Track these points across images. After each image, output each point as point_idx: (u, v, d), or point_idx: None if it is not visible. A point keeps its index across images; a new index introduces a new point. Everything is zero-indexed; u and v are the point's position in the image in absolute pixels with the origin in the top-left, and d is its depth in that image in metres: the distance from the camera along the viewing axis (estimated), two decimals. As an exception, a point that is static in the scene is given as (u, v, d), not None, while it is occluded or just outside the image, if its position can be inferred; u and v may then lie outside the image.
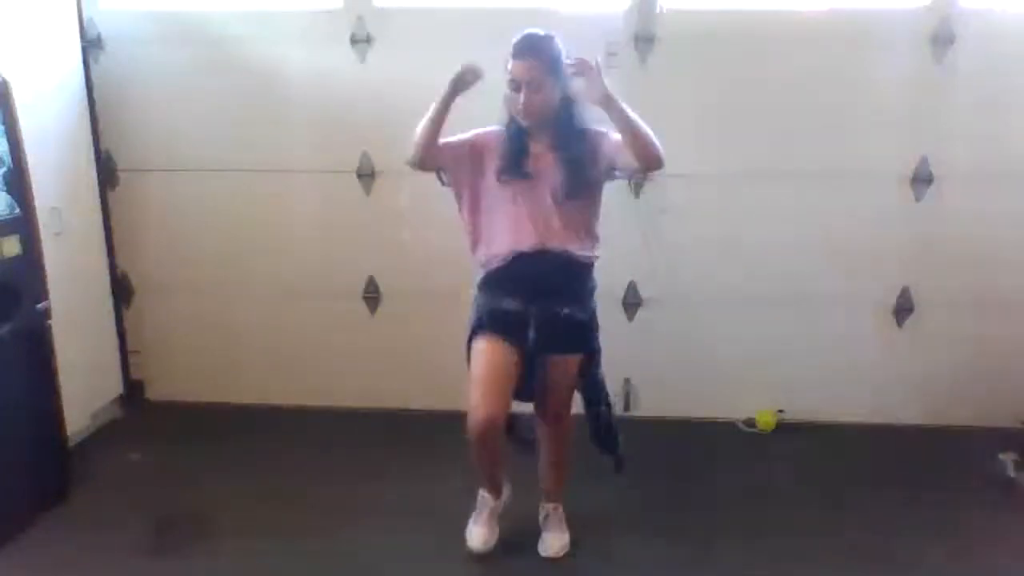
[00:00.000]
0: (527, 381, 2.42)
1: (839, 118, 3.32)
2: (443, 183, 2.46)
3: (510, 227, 2.36)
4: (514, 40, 2.30)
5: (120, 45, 3.47)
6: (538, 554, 2.63)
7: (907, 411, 3.57)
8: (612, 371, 3.60)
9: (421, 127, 2.29)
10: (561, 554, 2.62)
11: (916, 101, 3.32)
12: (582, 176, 2.33)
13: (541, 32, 2.33)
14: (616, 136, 2.27)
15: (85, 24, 3.42)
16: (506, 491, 2.70)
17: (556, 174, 2.34)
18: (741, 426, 3.57)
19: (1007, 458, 3.06)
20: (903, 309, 3.51)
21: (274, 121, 3.49)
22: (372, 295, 3.65)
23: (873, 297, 3.51)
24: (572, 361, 2.47)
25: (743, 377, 3.60)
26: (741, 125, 3.36)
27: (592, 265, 2.45)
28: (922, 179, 3.37)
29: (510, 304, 2.37)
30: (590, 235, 2.43)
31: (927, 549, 2.67)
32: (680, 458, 3.31)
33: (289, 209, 3.59)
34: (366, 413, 3.64)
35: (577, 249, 2.38)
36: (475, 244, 2.45)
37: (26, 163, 2.69)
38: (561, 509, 2.70)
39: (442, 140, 2.32)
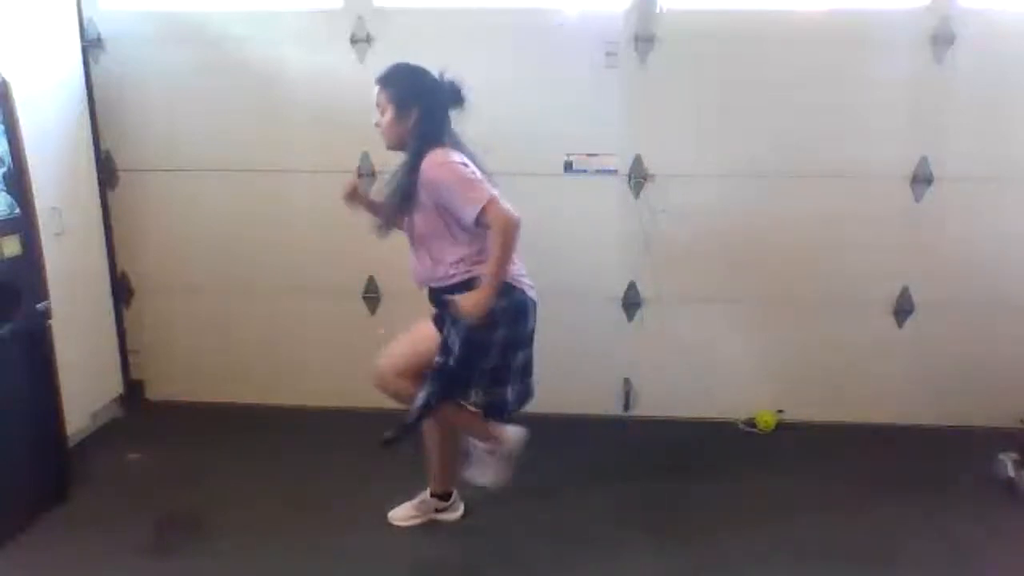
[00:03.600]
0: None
1: (839, 118, 3.33)
2: None
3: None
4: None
5: (120, 45, 3.48)
6: (538, 554, 2.63)
7: (907, 411, 3.57)
8: (612, 371, 3.65)
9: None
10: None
11: (916, 101, 3.32)
12: (394, 206, 2.46)
13: (411, 65, 2.45)
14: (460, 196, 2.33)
15: (85, 24, 3.43)
16: (458, 509, 2.85)
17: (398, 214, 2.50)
18: (741, 426, 3.57)
19: (1007, 458, 3.06)
20: (903, 309, 3.51)
21: (274, 121, 3.50)
22: (372, 295, 3.65)
23: (873, 297, 3.51)
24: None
25: (743, 377, 3.60)
26: (741, 125, 3.36)
27: (464, 281, 2.42)
28: (922, 179, 3.37)
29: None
30: (443, 262, 2.44)
31: (927, 549, 2.67)
32: (680, 458, 3.32)
33: (289, 209, 3.59)
34: (366, 413, 3.63)
35: (439, 280, 2.47)
36: None
37: (26, 163, 2.70)
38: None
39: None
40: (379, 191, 2.62)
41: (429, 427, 2.68)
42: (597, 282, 3.55)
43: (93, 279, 3.51)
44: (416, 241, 2.49)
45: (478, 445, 2.67)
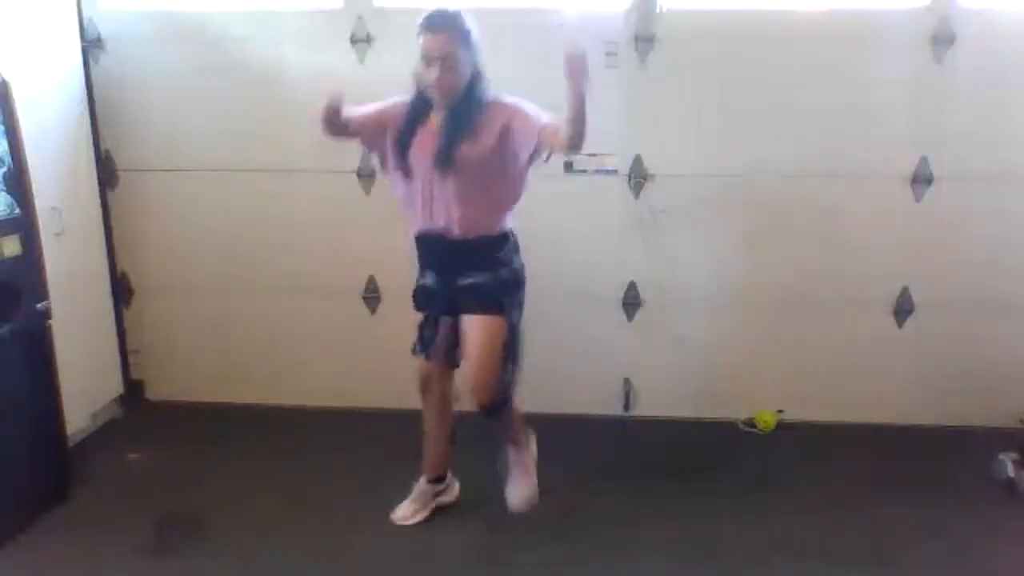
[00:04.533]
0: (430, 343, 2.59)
1: (839, 118, 3.32)
2: (371, 153, 2.58)
3: (415, 205, 2.46)
4: (424, 15, 2.33)
5: (120, 45, 3.47)
6: (538, 554, 2.63)
7: (907, 411, 3.57)
8: (612, 371, 3.65)
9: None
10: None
11: (916, 101, 3.32)
12: (455, 146, 2.34)
13: (451, 8, 2.37)
14: (532, 113, 2.32)
15: (85, 24, 3.43)
16: (454, 488, 2.87)
17: (433, 151, 2.36)
18: (741, 426, 3.57)
19: (1007, 458, 3.06)
20: (903, 309, 3.51)
21: (274, 121, 3.49)
22: (372, 295, 3.65)
23: (873, 297, 3.51)
24: (488, 322, 2.47)
25: (743, 377, 3.60)
26: (741, 125, 3.36)
27: (504, 235, 2.48)
28: (922, 179, 3.37)
29: (430, 278, 2.57)
30: (495, 214, 2.46)
31: (927, 549, 2.67)
32: (680, 458, 3.32)
33: (289, 209, 3.59)
34: (366, 413, 3.64)
35: (479, 232, 2.43)
36: (403, 209, 2.56)
37: (26, 163, 2.69)
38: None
39: (350, 112, 2.36)
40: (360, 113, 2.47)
41: (430, 407, 2.72)
42: (597, 282, 3.55)
43: (93, 279, 3.51)
44: (466, 187, 2.38)
45: (512, 452, 2.75)
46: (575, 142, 2.23)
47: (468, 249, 2.46)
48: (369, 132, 2.47)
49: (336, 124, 2.34)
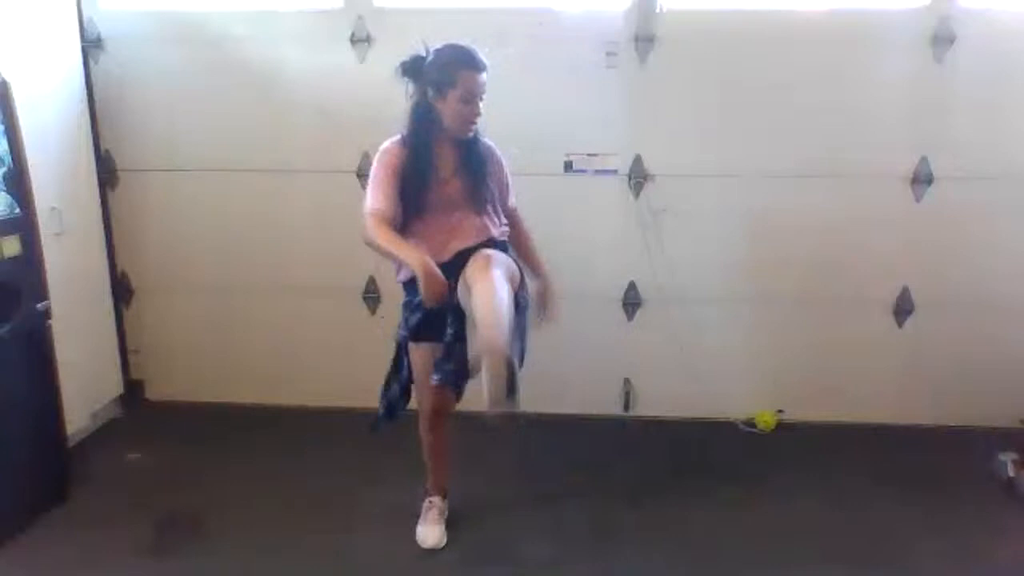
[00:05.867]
0: (455, 375, 2.44)
1: (839, 118, 3.32)
2: None
3: (436, 236, 2.44)
4: (463, 53, 2.37)
5: (120, 45, 3.48)
6: (538, 554, 2.63)
7: (907, 411, 3.58)
8: (612, 371, 3.65)
9: (381, 244, 2.33)
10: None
11: (916, 101, 3.32)
12: (484, 192, 2.50)
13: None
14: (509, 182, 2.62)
15: (85, 24, 3.43)
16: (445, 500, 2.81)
17: (465, 194, 2.47)
18: (741, 426, 3.57)
19: (1007, 458, 3.06)
20: (903, 309, 3.51)
21: (274, 121, 3.49)
22: (372, 295, 3.65)
23: (873, 297, 3.51)
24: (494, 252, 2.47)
25: (743, 377, 3.60)
26: (741, 125, 3.36)
27: (506, 242, 2.58)
28: (922, 179, 3.37)
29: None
30: (499, 219, 2.58)
31: (927, 549, 2.67)
32: (680, 458, 3.32)
33: (289, 209, 3.59)
34: (366, 413, 3.63)
35: (495, 234, 2.52)
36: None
37: (26, 163, 2.70)
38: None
39: (385, 205, 2.38)
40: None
41: (440, 435, 2.69)
42: (597, 282, 3.55)
43: (93, 279, 3.51)
44: (476, 209, 2.49)
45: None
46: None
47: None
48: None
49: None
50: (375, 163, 2.44)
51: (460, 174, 2.47)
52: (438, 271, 2.24)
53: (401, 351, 2.65)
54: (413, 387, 2.65)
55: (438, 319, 2.41)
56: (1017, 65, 3.25)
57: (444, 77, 2.36)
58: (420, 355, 2.55)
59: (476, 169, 2.48)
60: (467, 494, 2.88)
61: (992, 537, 2.74)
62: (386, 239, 2.31)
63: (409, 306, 2.52)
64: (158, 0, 3.47)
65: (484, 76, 2.37)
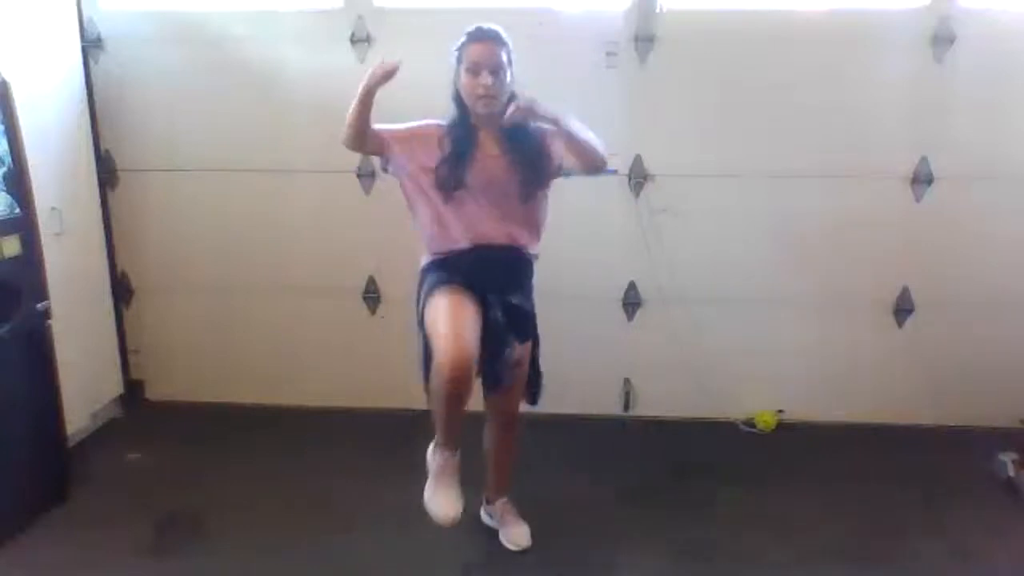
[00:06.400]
0: (490, 365, 2.34)
1: (839, 118, 3.32)
2: (385, 170, 2.50)
3: (462, 221, 2.36)
4: (472, 28, 2.34)
5: (120, 45, 3.48)
6: (538, 554, 2.63)
7: (907, 411, 3.57)
8: (612, 371, 3.65)
9: (351, 109, 2.29)
10: (529, 541, 2.65)
11: (916, 101, 3.32)
12: (538, 176, 2.39)
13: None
14: (562, 136, 2.35)
15: (85, 24, 3.43)
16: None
17: (511, 176, 2.35)
18: (741, 426, 3.57)
19: (1007, 458, 3.06)
20: (903, 309, 3.51)
21: (274, 121, 3.49)
22: (372, 295, 3.65)
23: (873, 297, 3.51)
24: (522, 350, 2.46)
25: (743, 377, 3.60)
26: (741, 125, 3.36)
27: (534, 262, 2.49)
28: (922, 179, 3.37)
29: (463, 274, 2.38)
30: (537, 232, 2.47)
31: (927, 549, 2.67)
32: (680, 458, 3.32)
33: (289, 209, 3.59)
34: (366, 413, 3.64)
35: (526, 245, 2.43)
36: (425, 230, 2.43)
37: (26, 163, 2.70)
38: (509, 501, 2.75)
39: (379, 126, 2.33)
40: None
41: (456, 407, 2.31)
42: (597, 282, 3.55)
43: (93, 279, 3.51)
44: (511, 206, 2.37)
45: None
46: (588, 164, 2.35)
47: (513, 267, 2.43)
48: (401, 146, 2.38)
49: (367, 108, 2.26)
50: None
51: (503, 159, 2.36)
52: (389, 71, 2.19)
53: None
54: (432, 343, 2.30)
55: (466, 278, 2.33)
56: (1017, 65, 3.25)
57: (459, 52, 2.33)
58: (441, 297, 2.29)
59: (523, 153, 2.36)
60: (466, 493, 2.87)
61: (992, 537, 2.74)
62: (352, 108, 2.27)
63: (426, 279, 2.40)
64: (158, 0, 3.47)
65: (491, 46, 2.29)
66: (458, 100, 2.37)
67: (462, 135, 2.37)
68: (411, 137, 2.39)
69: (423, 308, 2.37)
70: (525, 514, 2.73)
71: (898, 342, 3.54)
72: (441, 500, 2.36)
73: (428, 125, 2.40)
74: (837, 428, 3.55)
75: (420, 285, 2.44)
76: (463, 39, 2.34)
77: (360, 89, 2.24)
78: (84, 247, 3.42)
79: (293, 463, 3.22)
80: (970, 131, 3.30)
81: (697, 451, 3.39)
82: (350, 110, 2.29)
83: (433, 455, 2.43)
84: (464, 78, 2.31)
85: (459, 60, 2.33)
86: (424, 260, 2.47)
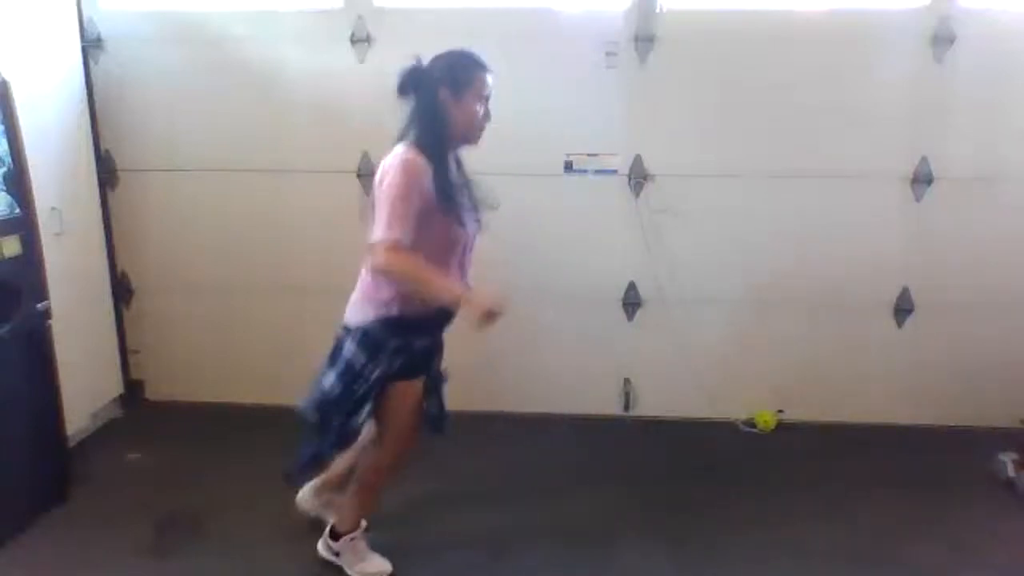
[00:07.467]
0: (437, 420, 2.49)
1: (839, 118, 3.33)
2: None
3: (453, 260, 2.27)
4: (473, 55, 2.23)
5: (120, 45, 3.48)
6: (538, 554, 2.63)
7: (907, 411, 3.58)
8: (612, 371, 3.65)
9: (420, 278, 2.14)
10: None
11: (916, 101, 3.32)
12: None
13: None
14: None
15: (85, 24, 3.43)
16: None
17: (469, 212, 2.29)
18: (741, 426, 3.57)
19: (1007, 458, 3.06)
20: (903, 309, 3.51)
21: (274, 121, 3.49)
22: (372, 295, 3.65)
23: (873, 297, 3.51)
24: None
25: (743, 377, 3.60)
26: (740, 125, 3.36)
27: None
28: (922, 179, 3.37)
29: (422, 341, 2.37)
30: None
31: (927, 549, 2.67)
32: (680, 458, 3.32)
33: (289, 209, 3.59)
34: (366, 413, 3.64)
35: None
36: (428, 245, 2.23)
37: (26, 163, 2.70)
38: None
39: (402, 234, 2.09)
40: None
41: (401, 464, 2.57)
42: (597, 282, 3.55)
43: (93, 279, 3.51)
44: (470, 248, 2.33)
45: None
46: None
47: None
48: (416, 216, 2.14)
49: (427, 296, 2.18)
50: (399, 175, 2.10)
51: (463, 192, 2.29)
52: (482, 297, 2.05)
53: (362, 382, 2.35)
54: (370, 424, 2.44)
55: (423, 360, 2.38)
56: (1017, 65, 3.25)
57: (461, 76, 2.18)
58: (411, 390, 2.38)
59: (470, 184, 2.32)
60: (466, 493, 2.88)
61: (992, 537, 2.74)
62: (420, 273, 2.11)
63: (384, 347, 2.30)
64: (158, 0, 3.47)
65: (490, 77, 2.24)
66: (442, 125, 2.19)
67: (448, 171, 2.20)
68: (417, 201, 2.14)
69: (382, 379, 2.32)
70: (525, 514, 2.72)
71: (898, 342, 3.54)
72: (376, 562, 2.55)
73: (418, 168, 2.14)
74: (837, 428, 3.55)
75: (379, 345, 2.31)
76: (469, 63, 2.21)
77: (453, 295, 2.11)
78: (84, 247, 3.42)
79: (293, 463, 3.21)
80: (970, 131, 3.31)
81: (697, 451, 3.39)
82: (419, 276, 2.13)
83: (352, 543, 2.54)
84: (473, 106, 2.20)
85: (463, 85, 2.18)
86: (389, 311, 2.29)
